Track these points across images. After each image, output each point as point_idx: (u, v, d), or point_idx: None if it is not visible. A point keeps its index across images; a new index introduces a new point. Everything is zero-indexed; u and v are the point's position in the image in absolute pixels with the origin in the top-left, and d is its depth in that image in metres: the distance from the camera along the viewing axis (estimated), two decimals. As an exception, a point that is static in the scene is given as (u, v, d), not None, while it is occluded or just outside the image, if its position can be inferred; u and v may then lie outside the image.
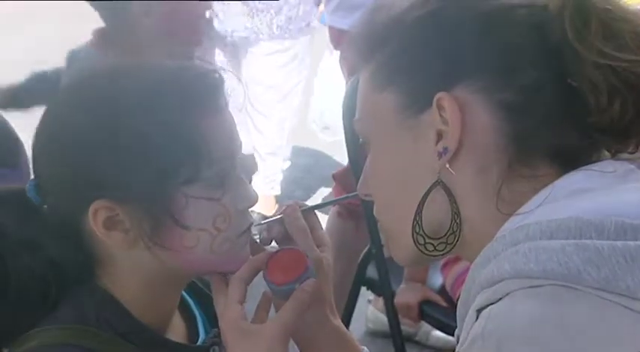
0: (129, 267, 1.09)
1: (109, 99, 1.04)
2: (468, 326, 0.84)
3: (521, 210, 0.87)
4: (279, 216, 1.15)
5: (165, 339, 1.14)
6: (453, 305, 2.42)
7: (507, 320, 0.79)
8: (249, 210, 1.11)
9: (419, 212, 0.93)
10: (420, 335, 3.12)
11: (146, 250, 1.06)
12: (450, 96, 0.90)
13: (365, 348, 1.18)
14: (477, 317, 0.83)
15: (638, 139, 0.90)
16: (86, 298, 1.09)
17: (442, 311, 2.40)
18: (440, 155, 0.91)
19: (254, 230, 1.13)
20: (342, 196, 1.20)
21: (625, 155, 0.90)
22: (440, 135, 0.91)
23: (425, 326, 3.13)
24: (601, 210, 0.82)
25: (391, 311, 2.40)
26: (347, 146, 2.37)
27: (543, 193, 0.87)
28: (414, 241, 0.94)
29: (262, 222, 1.15)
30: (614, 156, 0.91)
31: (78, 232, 1.08)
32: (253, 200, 1.11)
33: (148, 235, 1.04)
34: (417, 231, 0.93)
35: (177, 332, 1.18)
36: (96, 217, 1.05)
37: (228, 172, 1.08)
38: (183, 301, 1.20)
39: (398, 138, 0.95)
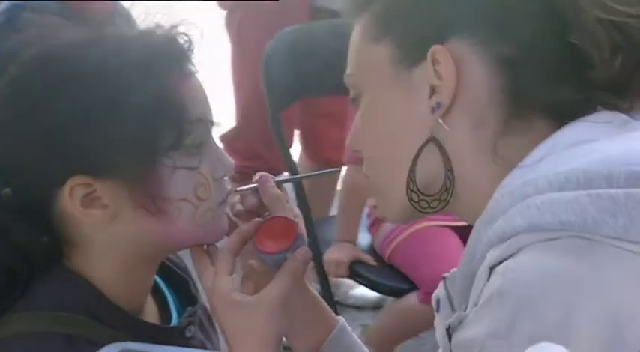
0: (105, 246, 1.03)
1: (81, 71, 0.98)
2: (479, 285, 0.81)
3: (522, 163, 0.84)
4: (253, 185, 1.11)
5: (142, 321, 1.09)
6: (382, 263, 2.43)
7: (525, 275, 0.76)
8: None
9: (413, 168, 0.90)
10: (340, 295, 3.12)
11: (124, 226, 1.01)
12: (445, 49, 0.86)
13: (341, 317, 1.15)
14: (489, 275, 0.81)
15: (634, 96, 0.87)
16: (60, 283, 1.03)
17: (372, 270, 2.38)
18: (433, 110, 0.88)
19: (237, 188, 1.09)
20: (322, 171, 1.16)
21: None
22: (433, 90, 0.88)
23: (343, 286, 3.13)
24: (607, 160, 0.80)
25: (322, 275, 2.38)
26: (270, 113, 2.34)
27: (543, 146, 0.84)
28: (409, 198, 0.91)
29: (237, 189, 1.10)
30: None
31: (47, 215, 1.02)
32: (230, 167, 1.06)
33: (132, 209, 0.99)
34: (412, 187, 0.90)
35: (150, 313, 1.13)
36: (72, 196, 0.98)
37: (204, 139, 1.03)
38: (153, 282, 1.14)
39: (392, 91, 0.91)
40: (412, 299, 2.30)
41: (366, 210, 2.49)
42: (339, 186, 3.22)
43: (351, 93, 0.97)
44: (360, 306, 3.17)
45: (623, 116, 0.86)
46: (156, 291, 1.16)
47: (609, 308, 0.74)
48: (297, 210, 1.13)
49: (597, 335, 0.73)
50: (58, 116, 0.97)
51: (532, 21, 0.86)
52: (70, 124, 0.96)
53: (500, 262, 0.80)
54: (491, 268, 0.80)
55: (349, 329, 1.15)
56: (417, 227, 2.36)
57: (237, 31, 3.00)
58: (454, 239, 2.35)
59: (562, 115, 0.87)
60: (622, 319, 0.73)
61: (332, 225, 2.51)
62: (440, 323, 0.96)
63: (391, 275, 2.37)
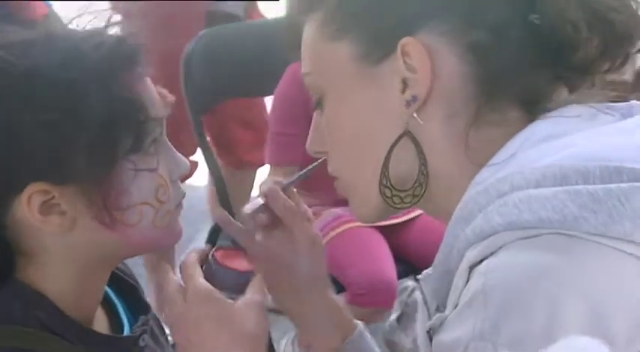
0: (61, 255, 0.99)
1: (33, 73, 0.92)
2: (459, 285, 0.80)
3: (494, 160, 0.83)
4: (261, 204, 1.09)
5: (97, 332, 1.05)
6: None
7: (508, 274, 0.75)
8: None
9: (386, 164, 0.88)
10: (266, 301, 3.08)
11: (83, 233, 0.97)
12: (417, 41, 0.84)
13: (360, 323, 1.14)
14: (469, 275, 0.80)
15: (595, 76, 0.87)
16: (10, 296, 0.98)
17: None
18: (408, 104, 0.86)
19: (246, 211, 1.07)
20: (312, 165, 1.14)
21: (584, 90, 0.88)
22: (405, 84, 0.86)
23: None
24: (582, 155, 0.80)
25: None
26: (192, 117, 2.30)
27: (515, 141, 0.84)
28: (382, 194, 0.89)
29: (247, 212, 1.07)
30: (571, 92, 0.88)
31: None
32: (186, 168, 1.04)
33: (92, 215, 0.96)
34: (385, 183, 0.88)
35: (99, 323, 1.09)
36: (30, 204, 0.94)
37: (160, 140, 1.00)
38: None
39: (358, 89, 0.88)
40: (340, 301, 2.28)
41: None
42: (255, 188, 3.21)
43: (312, 95, 0.94)
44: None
45: (592, 110, 0.86)
46: (104, 300, 1.12)
47: (593, 303, 0.73)
48: (309, 213, 1.11)
49: (583, 330, 0.72)
50: (11, 121, 0.92)
51: (499, 5, 0.84)
52: (25, 129, 0.92)
53: (481, 261, 0.78)
54: (471, 267, 0.79)
55: (367, 333, 1.14)
56: (341, 229, 2.35)
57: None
58: (379, 239, 2.35)
59: (533, 106, 0.86)
60: (605, 315, 0.73)
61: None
62: (419, 327, 0.95)
63: (318, 277, 2.34)
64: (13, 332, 0.96)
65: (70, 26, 1.02)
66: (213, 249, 1.07)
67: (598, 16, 0.83)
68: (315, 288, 1.10)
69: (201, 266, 1.05)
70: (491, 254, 0.78)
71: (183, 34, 2.46)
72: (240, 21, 2.83)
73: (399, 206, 0.90)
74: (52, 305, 0.99)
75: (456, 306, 0.79)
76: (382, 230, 2.37)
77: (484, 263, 0.78)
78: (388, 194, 0.89)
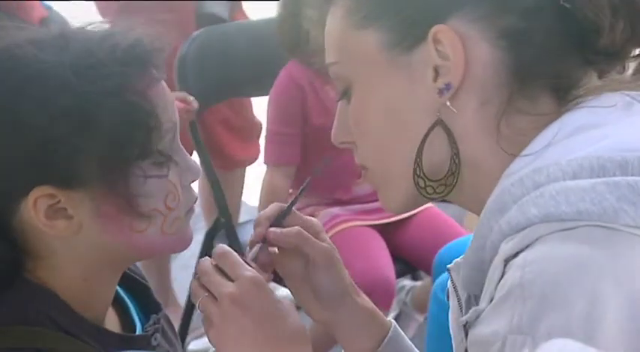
0: (69, 258, 0.96)
1: (46, 75, 0.90)
2: (494, 278, 0.78)
3: (529, 150, 0.81)
4: (258, 247, 1.06)
5: (109, 331, 1.02)
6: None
7: (546, 267, 0.73)
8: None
9: (419, 153, 0.85)
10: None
11: (89, 238, 0.94)
12: (449, 28, 0.82)
13: (393, 321, 1.11)
14: (504, 268, 0.77)
15: (625, 60, 0.86)
16: (23, 296, 0.95)
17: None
18: (441, 92, 0.83)
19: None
20: (304, 184, 1.10)
21: (614, 76, 0.86)
22: (437, 72, 0.83)
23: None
24: (619, 146, 0.78)
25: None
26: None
27: (549, 131, 0.81)
28: (415, 184, 0.86)
29: (248, 261, 1.02)
30: (601, 77, 0.86)
31: (7, 227, 0.94)
32: (197, 172, 1.01)
33: (98, 221, 0.93)
34: (418, 173, 0.86)
35: (111, 322, 1.07)
36: (36, 207, 0.91)
37: (172, 145, 0.97)
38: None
39: (388, 78, 0.86)
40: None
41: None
42: (246, 187, 3.20)
43: (338, 85, 0.91)
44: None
45: (627, 98, 0.84)
46: (115, 299, 1.10)
47: (633, 296, 0.71)
48: (319, 225, 1.09)
49: (622, 325, 0.70)
50: (18, 121, 0.90)
51: None
52: (31, 131, 0.89)
53: (516, 254, 0.76)
54: (507, 260, 0.77)
55: (401, 331, 1.11)
56: (341, 227, 2.34)
57: None
58: (377, 238, 2.34)
59: (565, 92, 0.84)
60: None
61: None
62: (451, 312, 0.94)
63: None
64: (28, 332, 0.94)
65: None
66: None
67: (624, 1, 0.82)
68: (342, 297, 1.07)
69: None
70: (527, 246, 0.76)
71: (175, 35, 2.43)
72: (226, 22, 2.82)
73: (432, 196, 0.87)
74: (65, 305, 0.97)
75: (491, 299, 0.77)
76: (379, 229, 2.36)
77: (521, 256, 0.76)
78: (422, 184, 0.86)
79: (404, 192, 0.89)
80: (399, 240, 2.38)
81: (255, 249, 1.06)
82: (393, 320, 1.11)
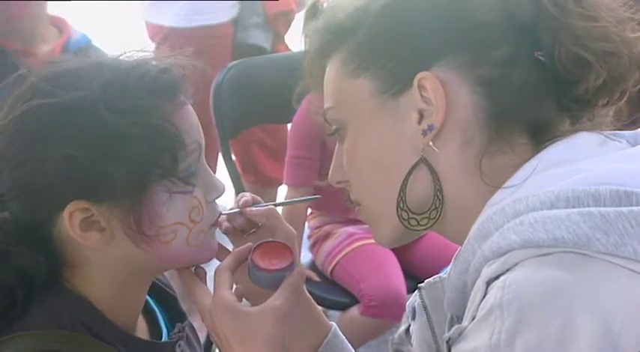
0: (102, 267, 0.99)
1: (84, 102, 0.93)
2: (476, 299, 0.80)
3: (510, 182, 0.84)
4: (236, 210, 1.08)
5: (138, 338, 1.05)
6: (324, 279, 2.42)
7: (524, 288, 0.76)
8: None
9: (403, 189, 0.88)
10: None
11: (120, 248, 0.97)
12: (432, 75, 0.86)
13: (334, 324, 1.13)
14: (486, 289, 0.80)
15: (597, 107, 0.88)
16: (58, 302, 0.98)
17: (316, 286, 2.36)
18: (425, 133, 0.87)
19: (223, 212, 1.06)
20: (305, 198, 1.12)
21: (585, 122, 0.89)
22: (421, 115, 0.87)
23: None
24: (593, 179, 0.80)
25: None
26: (220, 141, 2.32)
27: (529, 166, 0.84)
28: (399, 216, 0.89)
29: (223, 212, 1.07)
30: (573, 124, 0.89)
31: (46, 238, 0.98)
32: (221, 190, 1.03)
33: (128, 233, 0.96)
34: (402, 206, 0.89)
35: (141, 330, 1.09)
36: (71, 220, 0.95)
37: (197, 163, 1.00)
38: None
39: (377, 121, 0.89)
40: (354, 312, 2.29)
41: (306, 232, 2.48)
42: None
43: (332, 127, 0.95)
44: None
45: (601, 136, 0.87)
46: (145, 309, 1.12)
47: (603, 319, 0.73)
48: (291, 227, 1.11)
49: (594, 345, 0.73)
50: (61, 145, 0.93)
51: (505, 42, 0.85)
52: (73, 153, 0.93)
53: (497, 276, 0.79)
54: (488, 282, 0.80)
55: (342, 334, 1.13)
56: (356, 244, 2.36)
57: None
58: (390, 255, 2.36)
59: (541, 135, 0.87)
60: (615, 329, 0.73)
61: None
62: (417, 330, 0.96)
63: (334, 291, 2.36)
64: (62, 336, 0.97)
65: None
66: (255, 246, 1.03)
67: (597, 57, 0.84)
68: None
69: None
70: (508, 270, 0.79)
71: (213, 64, 2.47)
72: (267, 53, 2.84)
73: (416, 228, 0.90)
74: (98, 311, 1.00)
75: (473, 318, 0.80)
76: (392, 247, 2.37)
77: (501, 278, 0.78)
78: (405, 216, 0.89)
79: (393, 227, 0.92)
80: (410, 258, 2.39)
81: (232, 211, 1.08)
82: (334, 324, 1.12)
